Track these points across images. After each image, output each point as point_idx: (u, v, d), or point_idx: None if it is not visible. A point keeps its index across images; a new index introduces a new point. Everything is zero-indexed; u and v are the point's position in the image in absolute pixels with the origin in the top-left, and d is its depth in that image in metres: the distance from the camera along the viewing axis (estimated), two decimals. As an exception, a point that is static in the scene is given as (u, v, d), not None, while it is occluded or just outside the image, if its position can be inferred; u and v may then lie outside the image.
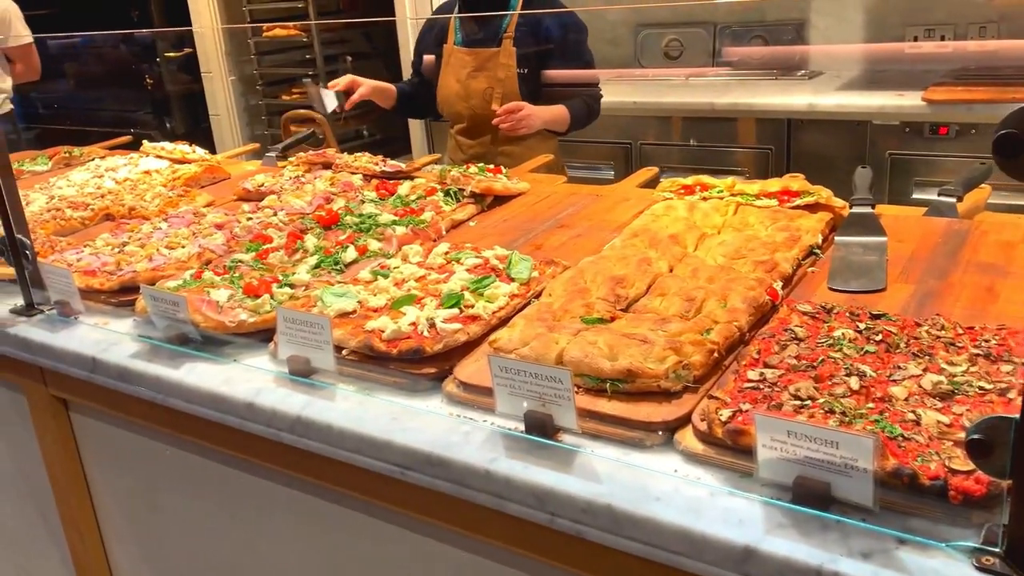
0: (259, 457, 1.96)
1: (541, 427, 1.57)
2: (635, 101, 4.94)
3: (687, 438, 1.49)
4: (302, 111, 6.04)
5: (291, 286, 2.20)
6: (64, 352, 2.22)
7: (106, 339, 2.22)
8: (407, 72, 6.08)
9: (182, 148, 3.73)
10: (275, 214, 2.80)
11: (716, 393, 1.51)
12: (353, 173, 3.17)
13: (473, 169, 2.87)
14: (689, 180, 2.49)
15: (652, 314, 1.82)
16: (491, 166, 2.94)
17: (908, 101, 4.16)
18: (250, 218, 2.77)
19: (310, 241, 2.48)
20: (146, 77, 8.52)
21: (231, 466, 2.09)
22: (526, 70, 3.75)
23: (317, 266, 2.32)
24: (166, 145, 3.77)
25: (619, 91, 5.20)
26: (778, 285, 1.91)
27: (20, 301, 2.48)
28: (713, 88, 4.99)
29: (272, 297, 2.13)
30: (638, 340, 1.65)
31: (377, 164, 3.21)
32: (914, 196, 4.17)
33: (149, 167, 3.62)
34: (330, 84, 3.85)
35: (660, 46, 5.84)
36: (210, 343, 2.09)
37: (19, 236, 2.40)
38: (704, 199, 2.41)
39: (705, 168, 4.94)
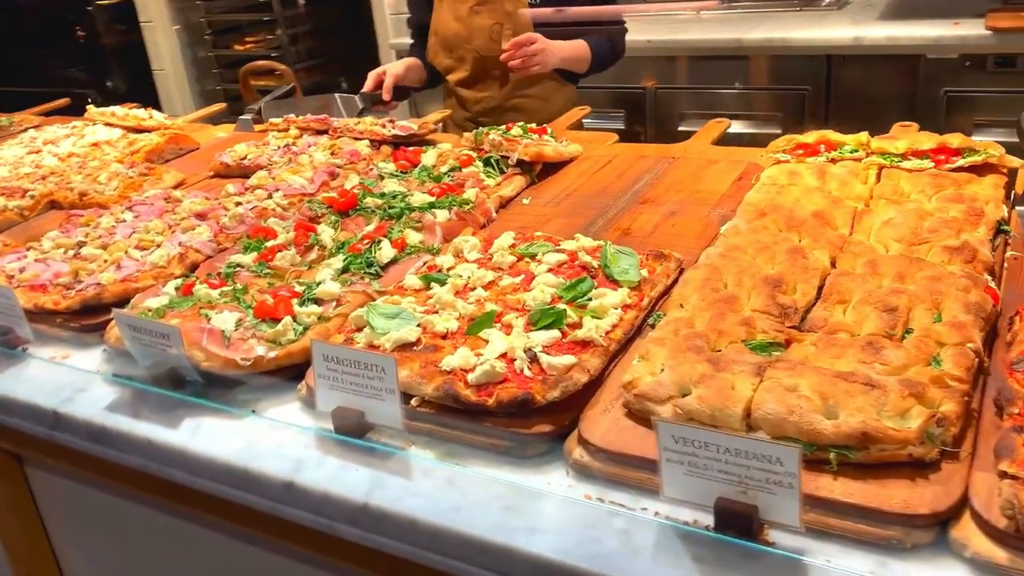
0: (299, 543, 1.44)
1: (742, 523, 1.07)
2: (648, 40, 4.37)
3: (972, 537, 1.01)
4: (262, 62, 5.37)
5: (316, 302, 1.65)
6: (13, 402, 1.65)
7: (70, 382, 1.66)
8: (386, 27, 5.46)
9: (136, 113, 3.10)
10: (269, 196, 2.23)
11: (1009, 468, 1.02)
12: (357, 139, 2.59)
13: (515, 130, 2.31)
14: (810, 137, 1.97)
15: (844, 334, 1.32)
16: (532, 125, 2.38)
17: (967, 31, 3.67)
18: (239, 203, 2.20)
19: (325, 234, 1.92)
20: (76, 28, 7.63)
21: (256, 545, 1.57)
22: (539, 1, 3.14)
23: (345, 269, 1.76)
24: (116, 110, 3.12)
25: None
26: (990, 281, 1.43)
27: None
28: (733, 23, 4.43)
29: (295, 320, 1.58)
30: (860, 383, 1.15)
31: (384, 126, 2.64)
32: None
33: (98, 138, 2.99)
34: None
35: (663, -22, 5.26)
36: (214, 383, 1.54)
37: (-62, 244, 1.80)
38: (833, 161, 1.89)
39: (731, 114, 4.44)
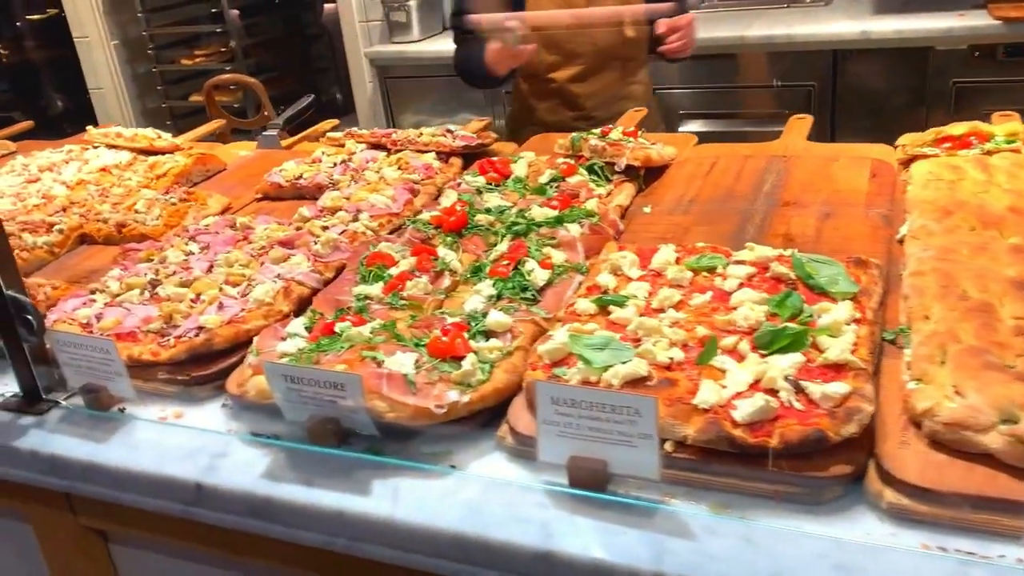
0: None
1: None
2: (649, 40, 4.25)
3: None
4: (228, 75, 5.04)
5: (486, 335, 1.45)
6: (140, 476, 1.39)
7: (201, 446, 1.41)
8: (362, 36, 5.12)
9: (145, 133, 2.79)
10: (355, 218, 2.00)
11: None
12: (421, 151, 2.37)
13: (615, 133, 2.15)
14: (958, 129, 1.87)
15: None
16: (629, 128, 2.22)
17: (975, 21, 3.69)
18: (325, 227, 1.96)
19: (449, 257, 1.72)
20: (-1, 48, 7.08)
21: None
22: None
23: (498, 296, 1.56)
24: (123, 131, 2.81)
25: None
26: None
27: (11, 388, 1.62)
28: (731, 20, 4.37)
29: (478, 356, 1.38)
30: None
31: (444, 135, 2.43)
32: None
33: (104, 162, 2.67)
34: None
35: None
36: (388, 436, 1.33)
37: (11, 293, 1.52)
38: (988, 153, 1.80)
39: (735, 113, 4.38)
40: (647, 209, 1.94)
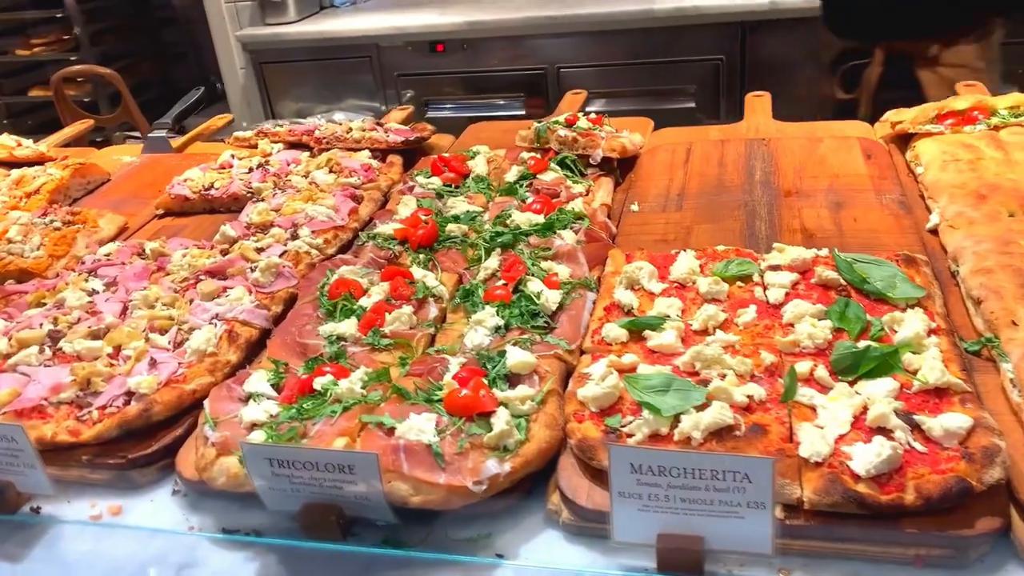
0: None
1: None
2: (549, 16, 4.05)
3: None
4: (78, 66, 4.45)
5: (507, 378, 1.19)
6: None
7: (158, 553, 1.09)
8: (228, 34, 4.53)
9: (1, 140, 2.33)
10: (293, 235, 1.68)
11: None
12: (351, 150, 2.06)
13: (582, 122, 1.91)
14: (962, 103, 1.74)
15: None
16: (590, 114, 1.99)
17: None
18: (260, 248, 1.63)
19: (429, 280, 1.44)
20: None
21: None
22: None
23: (506, 327, 1.30)
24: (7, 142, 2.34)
25: (513, 5, 4.30)
26: None
27: None
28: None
29: (507, 409, 1.12)
30: None
31: (374, 130, 2.13)
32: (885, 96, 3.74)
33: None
34: None
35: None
36: (407, 519, 1.06)
37: None
38: (995, 128, 1.68)
39: (646, 90, 4.21)
40: (635, 207, 1.72)
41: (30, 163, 2.31)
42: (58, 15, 5.14)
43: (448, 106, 4.47)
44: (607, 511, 1.00)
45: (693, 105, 4.10)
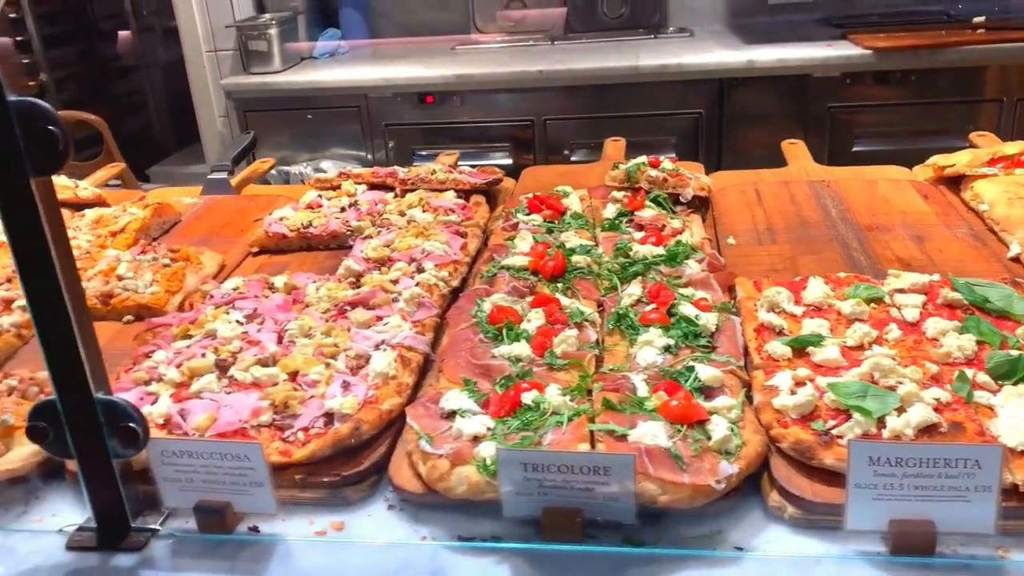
0: None
1: None
2: (540, 70, 4.24)
3: None
4: (66, 111, 4.37)
5: (703, 392, 1.30)
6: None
7: (403, 563, 1.14)
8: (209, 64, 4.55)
9: (62, 182, 2.32)
10: (418, 269, 1.75)
11: None
12: (436, 190, 2.15)
13: (666, 164, 2.05)
14: (1011, 149, 1.96)
15: None
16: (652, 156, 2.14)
17: (847, 51, 4.01)
18: (394, 280, 1.70)
19: (582, 307, 1.54)
20: None
21: None
22: None
23: (676, 347, 1.41)
24: (35, 179, 2.31)
25: (499, 61, 4.48)
26: None
27: (67, 520, 1.25)
28: (601, 52, 4.43)
29: (720, 417, 1.23)
30: None
31: (449, 171, 2.23)
32: (855, 150, 4.06)
33: None
34: None
35: (499, 9, 5.15)
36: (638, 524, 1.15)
37: (103, 396, 1.16)
38: (1045, 171, 1.91)
39: (629, 141, 4.41)
40: (731, 240, 1.87)
41: (89, 204, 2.31)
42: (24, 60, 5.03)
43: (433, 155, 4.57)
44: (835, 503, 1.12)
45: (674, 155, 4.32)
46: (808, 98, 4.12)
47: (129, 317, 1.73)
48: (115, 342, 1.67)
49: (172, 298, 1.76)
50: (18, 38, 5.01)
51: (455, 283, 1.75)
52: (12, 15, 4.91)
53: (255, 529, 1.22)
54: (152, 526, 1.24)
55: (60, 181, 2.33)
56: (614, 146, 2.61)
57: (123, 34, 6.10)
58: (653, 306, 1.52)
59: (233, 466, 1.18)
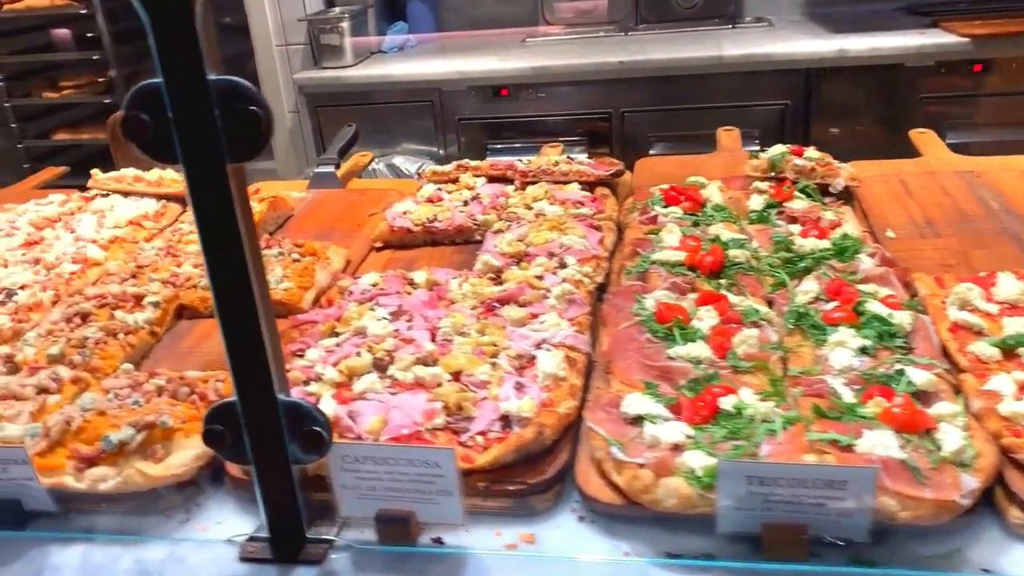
0: None
1: None
2: (621, 61, 4.13)
3: None
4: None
5: (918, 396, 1.19)
6: None
7: (613, 583, 1.05)
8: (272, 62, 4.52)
9: (171, 175, 2.27)
10: (560, 264, 1.66)
11: None
12: (559, 182, 2.06)
13: (811, 152, 1.95)
14: None
15: None
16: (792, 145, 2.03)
17: (944, 38, 3.85)
18: (539, 276, 1.61)
19: (757, 305, 1.44)
20: None
21: None
22: None
23: (873, 349, 1.31)
24: (141, 174, 2.26)
25: (575, 52, 4.39)
26: None
27: (233, 528, 1.18)
28: (700, 41, 4.30)
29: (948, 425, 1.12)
30: None
31: (568, 163, 2.13)
32: (948, 142, 3.89)
33: (125, 214, 2.13)
34: None
35: (569, 0, 5.05)
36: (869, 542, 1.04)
37: (285, 398, 1.08)
38: None
39: (707, 133, 4.30)
40: (891, 234, 1.75)
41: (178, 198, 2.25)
42: (95, 57, 5.03)
43: (507, 149, 4.49)
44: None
45: (757, 147, 4.19)
46: (899, 88, 3.96)
47: (263, 314, 1.66)
48: (251, 340, 1.60)
49: (305, 294, 1.69)
50: (88, 34, 5.01)
51: (599, 279, 1.65)
52: (82, 11, 4.91)
53: (439, 541, 1.14)
54: (328, 536, 1.16)
55: (168, 174, 2.28)
56: (729, 136, 2.50)
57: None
58: (835, 304, 1.41)
59: (420, 473, 1.10)
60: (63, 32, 5.46)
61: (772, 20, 4.68)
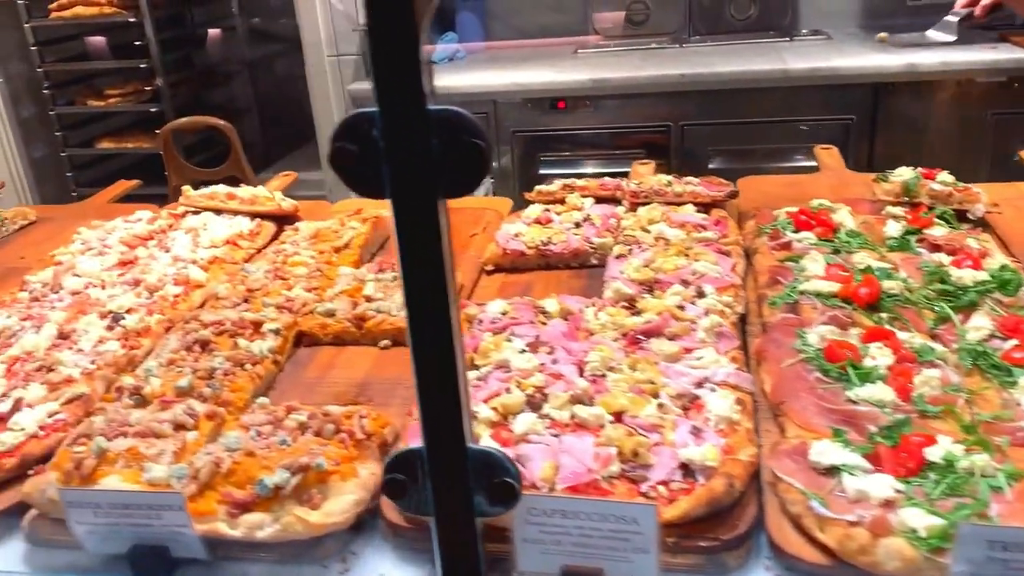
0: None
1: None
2: (682, 74, 4.06)
3: None
4: (196, 117, 4.28)
5: None
6: None
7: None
8: (322, 59, 4.48)
9: (263, 193, 2.20)
10: (699, 293, 1.59)
11: None
12: (672, 203, 1.98)
13: (944, 176, 1.86)
14: None
15: None
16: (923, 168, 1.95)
17: (1016, 54, 3.76)
18: (680, 305, 1.53)
19: (931, 344, 1.36)
20: None
21: None
22: None
23: (1065, 388, 1.23)
24: (238, 192, 2.20)
25: (632, 64, 4.32)
26: None
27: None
28: (759, 53, 4.23)
29: None
30: None
31: (670, 184, 2.06)
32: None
33: (220, 233, 2.07)
34: None
35: (619, 11, 4.98)
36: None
37: (476, 447, 1.01)
38: None
39: (767, 147, 4.23)
40: (1042, 264, 1.67)
41: (286, 216, 2.19)
42: (142, 65, 4.97)
43: (561, 161, 4.42)
44: None
45: (815, 163, 4.12)
46: (967, 104, 3.88)
47: (386, 342, 1.60)
48: (379, 370, 1.53)
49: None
50: (136, 43, 4.96)
51: (740, 309, 1.58)
52: (131, 19, 4.86)
53: None
54: (503, 593, 1.09)
55: (261, 191, 2.22)
56: (829, 154, 2.43)
57: (213, 33, 5.98)
58: (1014, 342, 1.33)
59: (615, 529, 1.03)
60: (98, 40, 5.43)
61: (830, 33, 4.60)
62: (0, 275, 2.08)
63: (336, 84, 4.67)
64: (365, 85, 4.49)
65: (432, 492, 1.03)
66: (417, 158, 0.89)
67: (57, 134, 5.30)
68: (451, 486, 1.02)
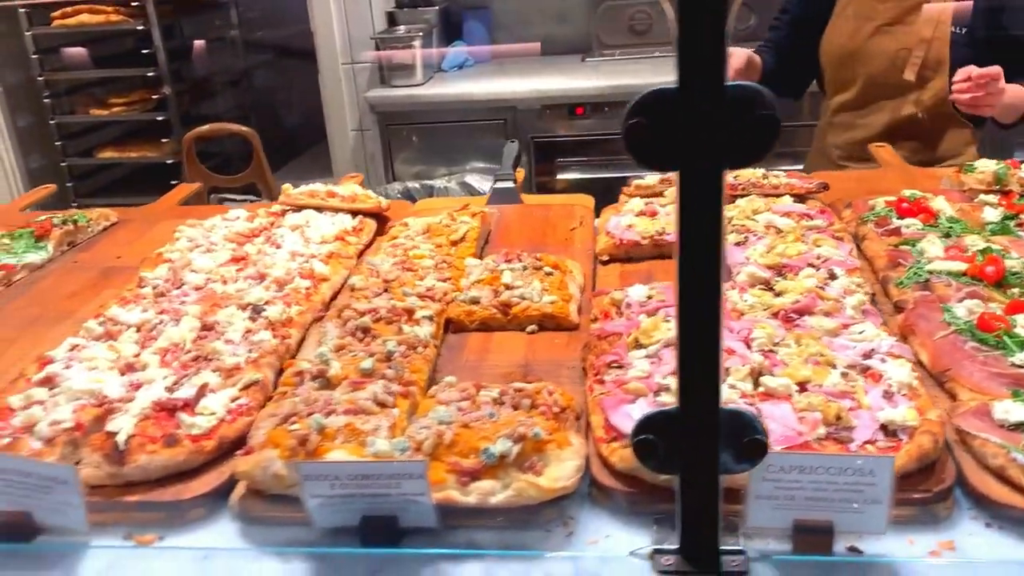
0: None
1: None
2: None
3: None
4: (213, 125, 4.26)
5: None
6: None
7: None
8: (335, 72, 4.48)
9: (358, 190, 2.24)
10: (831, 277, 1.68)
11: None
12: (768, 195, 2.08)
13: (1031, 166, 1.99)
14: None
15: None
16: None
17: None
18: (819, 286, 1.62)
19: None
20: None
21: None
22: (964, 30, 2.60)
23: None
24: (338, 190, 2.23)
25: (647, 71, 4.43)
26: None
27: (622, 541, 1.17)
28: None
29: None
30: None
31: (765, 177, 2.16)
32: None
33: (330, 228, 2.10)
34: None
35: (623, 20, 5.10)
36: None
37: (730, 408, 1.08)
38: None
39: (787, 151, 4.36)
40: None
41: (377, 213, 2.23)
42: (149, 73, 4.93)
43: (578, 165, 4.51)
44: None
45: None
46: None
47: (533, 327, 1.65)
48: (534, 354, 1.58)
49: (569, 306, 1.68)
50: (143, 51, 4.91)
51: (869, 289, 1.67)
52: (139, 27, 4.82)
53: (854, 550, 1.14)
54: (736, 547, 1.15)
55: (358, 190, 2.26)
56: (887, 151, 2.55)
57: (198, 44, 5.94)
58: None
59: (850, 482, 1.10)
60: (79, 51, 5.34)
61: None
62: (103, 273, 2.08)
63: (350, 92, 4.70)
64: (382, 92, 4.53)
65: (682, 451, 1.09)
66: (711, 132, 0.96)
67: (57, 144, 5.22)
68: (702, 444, 1.09)
